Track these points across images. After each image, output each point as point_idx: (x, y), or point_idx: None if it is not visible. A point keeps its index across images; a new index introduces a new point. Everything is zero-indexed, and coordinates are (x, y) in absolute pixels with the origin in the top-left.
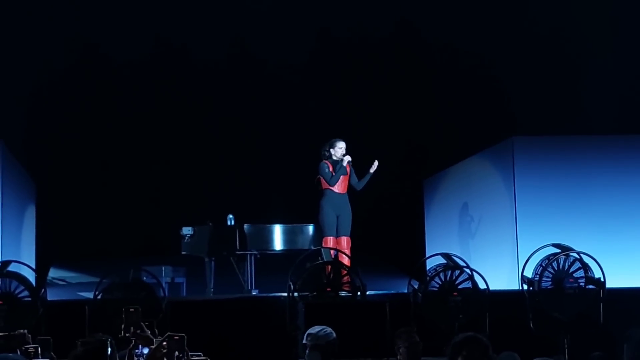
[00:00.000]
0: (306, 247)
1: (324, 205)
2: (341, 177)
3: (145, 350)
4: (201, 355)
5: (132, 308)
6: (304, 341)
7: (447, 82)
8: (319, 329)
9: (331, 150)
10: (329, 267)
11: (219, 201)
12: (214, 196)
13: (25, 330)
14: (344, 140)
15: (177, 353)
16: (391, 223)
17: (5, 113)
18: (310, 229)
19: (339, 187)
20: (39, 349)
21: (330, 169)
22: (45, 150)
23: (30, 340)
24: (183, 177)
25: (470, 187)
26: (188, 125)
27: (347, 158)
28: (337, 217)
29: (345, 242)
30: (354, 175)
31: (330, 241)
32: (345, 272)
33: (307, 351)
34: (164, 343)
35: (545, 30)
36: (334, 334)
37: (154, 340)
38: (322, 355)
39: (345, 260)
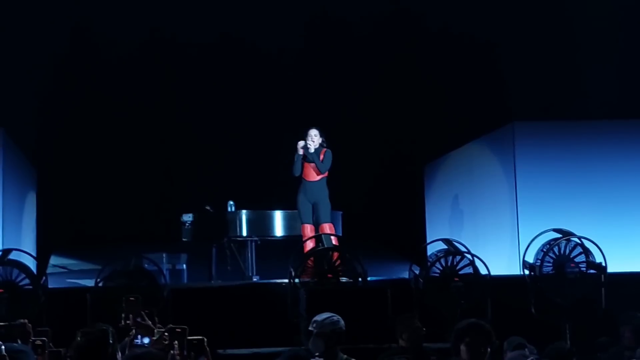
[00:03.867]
0: None
1: (298, 194)
2: (307, 164)
3: (146, 340)
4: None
5: (132, 297)
6: (310, 327)
7: (447, 67)
8: (326, 316)
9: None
10: (332, 253)
11: (219, 188)
12: (214, 183)
13: (26, 320)
14: (314, 128)
15: (176, 344)
16: (392, 209)
17: (5, 101)
18: None
19: (310, 175)
20: (46, 341)
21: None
22: (46, 138)
23: (31, 330)
24: (183, 164)
25: (471, 172)
26: (187, 112)
27: (300, 144)
28: (313, 205)
29: (327, 228)
30: (325, 160)
31: (307, 228)
32: (339, 256)
33: (311, 338)
34: (165, 334)
35: (545, 14)
36: (342, 323)
37: (155, 330)
38: (326, 343)
39: (334, 241)
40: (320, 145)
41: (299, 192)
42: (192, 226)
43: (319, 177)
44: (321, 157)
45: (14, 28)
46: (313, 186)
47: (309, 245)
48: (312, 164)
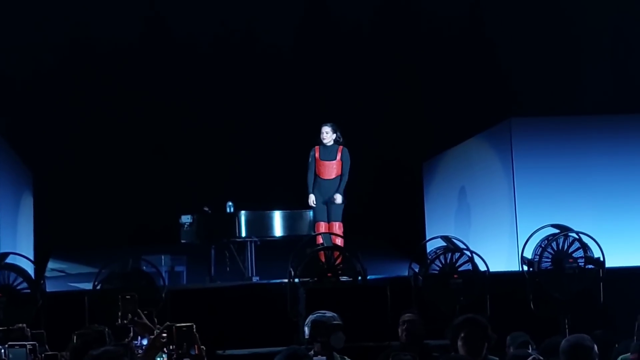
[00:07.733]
0: (306, 233)
1: (313, 191)
2: (326, 163)
3: (145, 341)
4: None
5: (128, 295)
6: (335, 322)
7: (445, 64)
8: (330, 314)
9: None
10: (330, 252)
11: (218, 188)
12: (212, 184)
13: (24, 325)
14: (327, 124)
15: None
16: (391, 206)
17: None
18: (310, 214)
19: (327, 173)
20: (37, 345)
21: (317, 155)
22: (41, 139)
23: (29, 334)
24: (181, 165)
25: (469, 169)
26: (184, 112)
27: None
28: (327, 203)
29: (337, 227)
30: (344, 165)
31: (322, 226)
32: (339, 255)
33: (337, 333)
34: (164, 333)
35: (543, 11)
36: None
37: (155, 330)
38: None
39: (339, 242)
40: (335, 142)
41: (313, 190)
42: (191, 228)
43: (334, 176)
44: (338, 155)
45: (8, 27)
46: (328, 184)
47: (321, 240)
48: (327, 162)
